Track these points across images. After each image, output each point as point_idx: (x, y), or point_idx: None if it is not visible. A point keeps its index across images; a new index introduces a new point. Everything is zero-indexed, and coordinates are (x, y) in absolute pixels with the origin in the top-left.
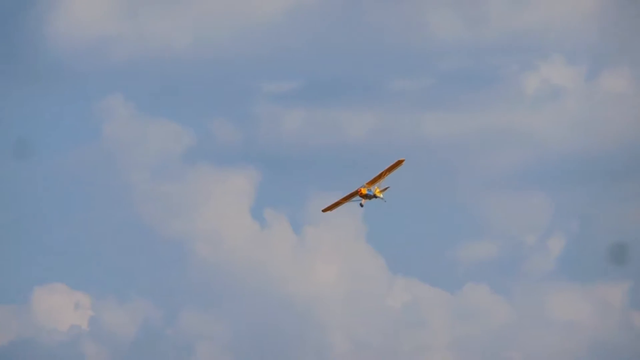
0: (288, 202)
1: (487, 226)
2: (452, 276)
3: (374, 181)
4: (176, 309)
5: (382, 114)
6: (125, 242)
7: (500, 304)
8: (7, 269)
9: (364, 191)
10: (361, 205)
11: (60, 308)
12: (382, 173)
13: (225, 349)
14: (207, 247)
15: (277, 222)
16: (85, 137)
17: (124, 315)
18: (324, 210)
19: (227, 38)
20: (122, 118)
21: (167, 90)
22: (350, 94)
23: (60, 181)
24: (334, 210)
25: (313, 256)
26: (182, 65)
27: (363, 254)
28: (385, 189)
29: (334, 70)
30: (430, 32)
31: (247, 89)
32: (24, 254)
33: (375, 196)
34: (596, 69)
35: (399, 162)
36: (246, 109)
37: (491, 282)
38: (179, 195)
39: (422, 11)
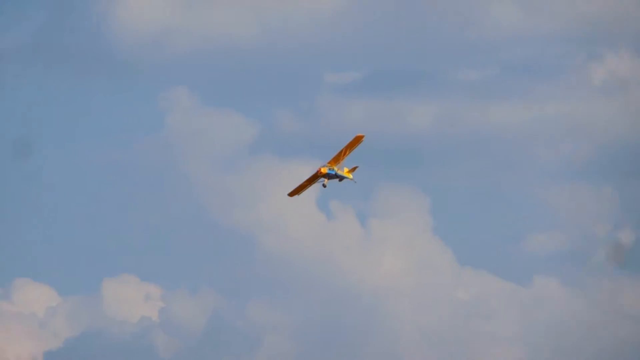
0: (354, 194)
1: (555, 217)
2: (521, 268)
3: (335, 160)
4: (245, 301)
5: (446, 104)
6: (193, 234)
7: (570, 296)
8: (78, 260)
9: (324, 170)
10: (324, 185)
11: (130, 299)
12: (342, 151)
13: (293, 340)
14: (274, 239)
15: (343, 213)
16: (149, 129)
17: (193, 307)
18: (290, 195)
19: (291, 29)
20: (186, 110)
21: (231, 81)
22: (414, 84)
23: (126, 173)
24: (302, 194)
25: (380, 248)
26: (246, 56)
27: (431, 246)
28: (354, 168)
29: (397, 60)
30: (495, 21)
31: (310, 80)
32: (94, 246)
33: (337, 175)
34: None
35: (358, 138)
36: (310, 99)
37: (560, 274)
38: (244, 186)
39: (486, 0)
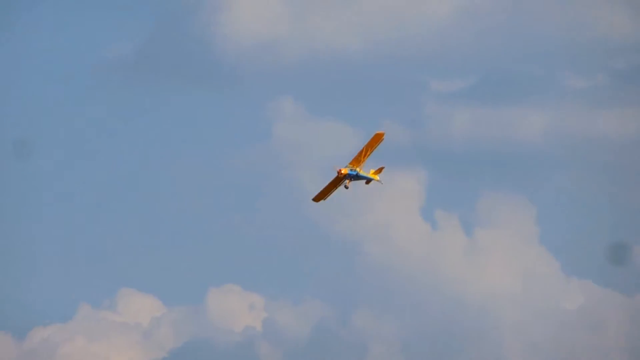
0: (459, 203)
1: None
2: (628, 279)
3: (357, 160)
4: (349, 310)
5: (555, 112)
6: (296, 243)
7: None
8: (182, 270)
9: (345, 171)
10: (346, 187)
11: (234, 309)
12: (362, 150)
13: (399, 349)
14: (378, 248)
15: (448, 223)
16: (256, 138)
17: (297, 316)
18: (315, 200)
19: (396, 37)
20: (292, 119)
21: (337, 90)
22: (522, 92)
23: (231, 182)
24: (327, 199)
25: (485, 258)
26: (351, 65)
27: (536, 256)
28: (380, 169)
29: (504, 68)
30: (604, 28)
31: (416, 88)
32: (199, 256)
33: (359, 176)
34: None
35: (379, 136)
36: (415, 108)
37: None
38: (350, 196)
39: (595, 7)
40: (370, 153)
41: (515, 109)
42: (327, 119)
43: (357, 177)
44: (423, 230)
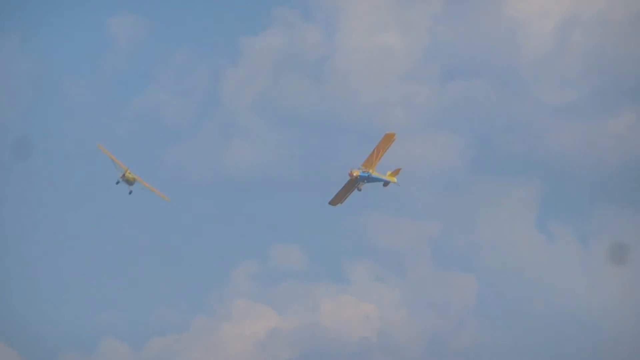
0: (574, 215)
1: None
2: None
3: (369, 161)
4: (462, 322)
5: None
6: (411, 254)
7: None
8: (297, 281)
9: (356, 173)
10: (359, 189)
11: (349, 320)
12: (374, 152)
13: None
14: (492, 259)
15: (563, 235)
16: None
17: (412, 328)
18: (332, 204)
19: (507, 47)
20: (403, 131)
21: (447, 101)
22: (635, 102)
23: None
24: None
25: (602, 270)
26: (463, 77)
27: None
28: (397, 170)
29: (616, 78)
30: None
31: (529, 99)
32: (313, 267)
33: (373, 178)
34: None
35: (389, 136)
36: (528, 119)
37: None
38: (461, 207)
39: None
40: (382, 154)
41: (628, 119)
42: (440, 130)
43: (370, 178)
44: (538, 242)
